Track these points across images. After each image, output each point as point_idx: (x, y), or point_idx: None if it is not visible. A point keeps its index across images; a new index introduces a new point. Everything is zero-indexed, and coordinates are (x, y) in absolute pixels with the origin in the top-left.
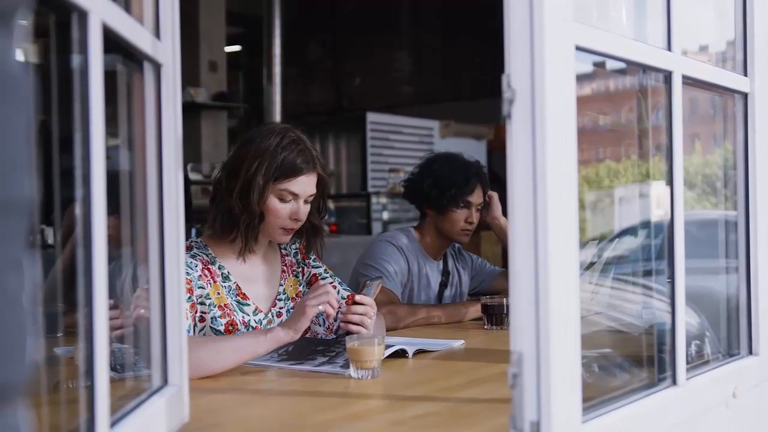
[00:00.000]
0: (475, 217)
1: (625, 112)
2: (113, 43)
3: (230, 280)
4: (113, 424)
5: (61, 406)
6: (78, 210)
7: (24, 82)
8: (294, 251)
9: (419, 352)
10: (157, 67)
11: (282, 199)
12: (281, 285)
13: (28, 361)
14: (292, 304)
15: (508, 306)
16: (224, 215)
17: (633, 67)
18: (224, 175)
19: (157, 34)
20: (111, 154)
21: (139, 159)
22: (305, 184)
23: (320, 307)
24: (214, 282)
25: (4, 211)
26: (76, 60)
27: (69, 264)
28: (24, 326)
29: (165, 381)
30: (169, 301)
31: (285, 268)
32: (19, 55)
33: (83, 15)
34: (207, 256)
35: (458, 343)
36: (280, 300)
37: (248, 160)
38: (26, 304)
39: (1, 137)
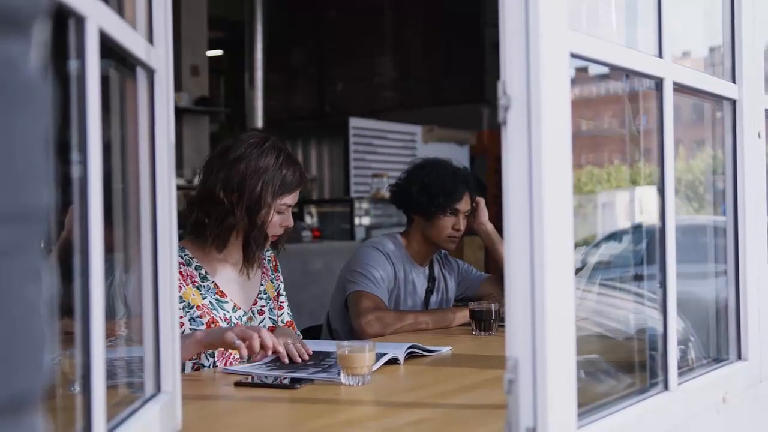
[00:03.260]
0: (463, 224)
1: (607, 118)
2: (107, 48)
3: (208, 280)
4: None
5: (51, 414)
6: (74, 215)
7: (42, 89)
8: (267, 259)
9: (410, 356)
10: (150, 72)
11: (279, 212)
12: (262, 285)
13: (46, 369)
14: (272, 303)
15: (496, 311)
16: (227, 230)
17: (615, 72)
18: (220, 188)
19: (150, 39)
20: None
21: (132, 164)
22: (297, 195)
23: (237, 342)
24: (187, 284)
25: (23, 220)
26: (72, 65)
27: (57, 269)
28: (42, 335)
29: (158, 388)
30: (162, 308)
31: (264, 270)
32: (37, 62)
33: (80, 20)
34: (182, 257)
35: (446, 350)
36: (261, 298)
37: (249, 179)
38: (44, 312)
39: (20, 145)
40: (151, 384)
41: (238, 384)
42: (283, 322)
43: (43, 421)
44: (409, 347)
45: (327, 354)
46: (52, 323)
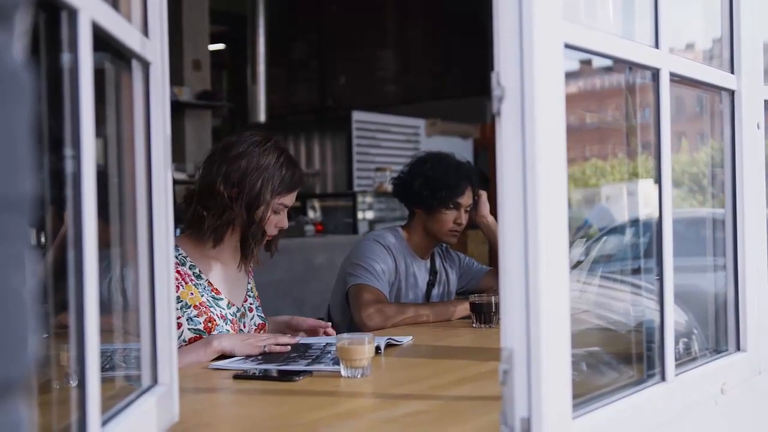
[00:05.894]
0: (464, 219)
1: (611, 110)
2: (101, 41)
3: (202, 278)
4: (104, 423)
5: (49, 407)
6: (68, 211)
7: (24, 79)
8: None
9: (388, 346)
10: (145, 65)
11: (276, 212)
12: (249, 283)
13: (30, 357)
14: (258, 302)
15: (496, 304)
16: (225, 225)
17: (619, 65)
18: (220, 182)
19: (145, 32)
20: (98, 154)
21: (128, 158)
22: (294, 197)
23: (266, 348)
24: (186, 283)
25: (7, 208)
26: (65, 58)
27: (55, 265)
28: (26, 323)
29: (155, 380)
30: (159, 300)
31: (250, 270)
32: (19, 52)
33: (73, 13)
34: (176, 257)
35: (407, 339)
36: (249, 296)
37: (250, 175)
38: (28, 300)
39: (2, 134)
40: (148, 376)
41: (236, 377)
42: (255, 326)
43: (28, 407)
44: (387, 344)
45: (308, 346)
46: (37, 311)
